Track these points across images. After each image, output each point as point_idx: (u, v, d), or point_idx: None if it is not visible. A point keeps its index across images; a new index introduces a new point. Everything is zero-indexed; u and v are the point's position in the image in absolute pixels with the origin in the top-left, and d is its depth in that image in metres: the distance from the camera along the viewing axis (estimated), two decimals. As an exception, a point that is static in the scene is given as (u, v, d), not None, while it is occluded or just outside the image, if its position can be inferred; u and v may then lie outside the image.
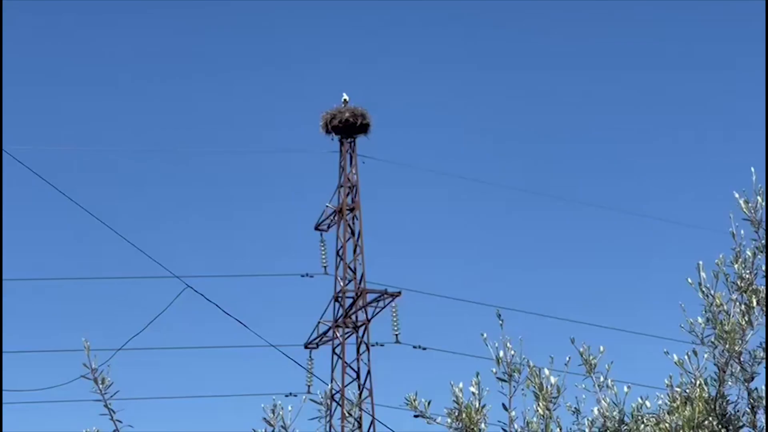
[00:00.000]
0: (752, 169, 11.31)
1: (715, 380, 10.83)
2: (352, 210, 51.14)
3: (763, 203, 11.11)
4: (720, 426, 10.68)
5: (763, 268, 11.02)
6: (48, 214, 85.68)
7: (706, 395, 10.74)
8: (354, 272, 50.31)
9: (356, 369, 49.03)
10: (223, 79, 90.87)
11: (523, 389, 10.95)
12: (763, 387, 10.83)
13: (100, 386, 10.33)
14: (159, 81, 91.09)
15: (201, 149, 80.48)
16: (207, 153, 74.22)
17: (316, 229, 51.19)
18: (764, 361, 10.84)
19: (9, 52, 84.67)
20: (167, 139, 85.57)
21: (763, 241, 11.05)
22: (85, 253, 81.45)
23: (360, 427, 46.10)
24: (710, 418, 10.68)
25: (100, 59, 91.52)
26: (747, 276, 11.00)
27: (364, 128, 51.63)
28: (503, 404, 10.91)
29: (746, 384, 10.87)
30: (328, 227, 51.22)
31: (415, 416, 10.92)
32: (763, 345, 10.85)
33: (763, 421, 10.79)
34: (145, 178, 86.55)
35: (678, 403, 10.79)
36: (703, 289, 10.98)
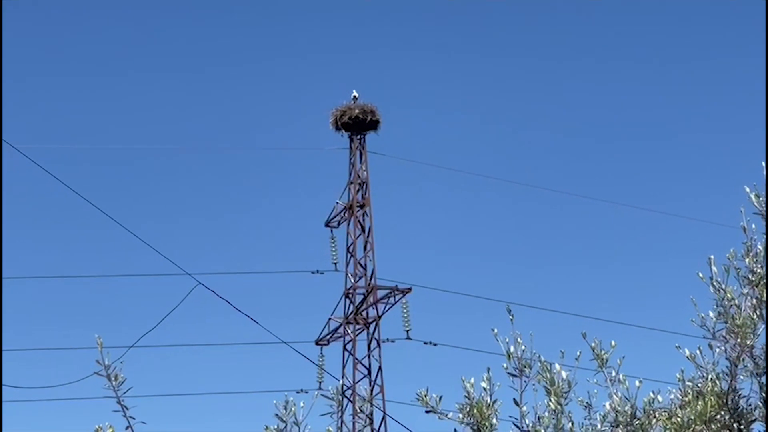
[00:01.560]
0: (763, 164, 11.31)
1: (727, 374, 10.82)
2: (362, 206, 51.13)
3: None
4: (732, 420, 10.67)
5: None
6: (59, 211, 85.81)
7: (718, 389, 10.73)
8: (364, 269, 50.33)
9: (367, 365, 49.03)
10: (232, 76, 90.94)
11: (534, 384, 10.94)
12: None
13: (113, 383, 10.33)
14: (169, 78, 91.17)
15: (211, 146, 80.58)
16: (217, 150, 74.28)
17: (327, 225, 51.20)
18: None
19: (20, 48, 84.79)
20: (178, 137, 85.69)
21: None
22: (96, 250, 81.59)
23: (371, 423, 46.12)
24: (722, 413, 10.66)
25: (113, 56, 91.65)
26: (758, 270, 10.99)
27: (373, 125, 51.64)
28: (514, 399, 10.89)
29: (758, 378, 10.86)
30: (339, 224, 51.22)
31: (427, 412, 10.91)
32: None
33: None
34: (155, 176, 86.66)
35: (690, 397, 10.78)
36: (715, 283, 10.97)
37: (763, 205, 11.11)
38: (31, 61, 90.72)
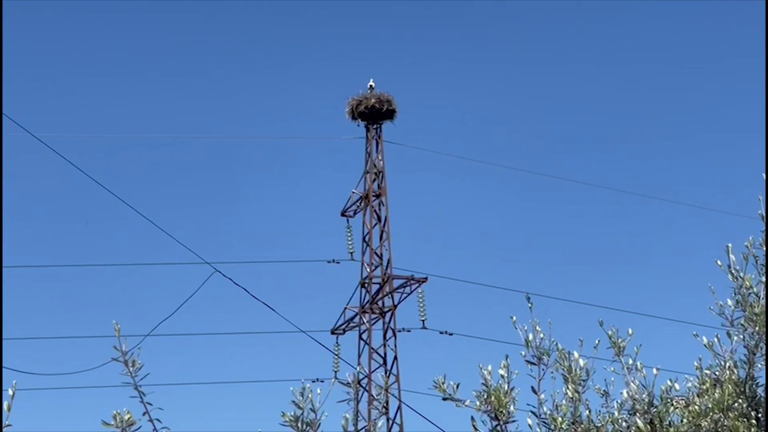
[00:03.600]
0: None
1: (745, 362, 10.79)
2: (378, 196, 51.10)
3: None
4: (750, 408, 10.64)
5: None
6: (78, 200, 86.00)
7: (736, 378, 10.70)
8: (380, 258, 50.29)
9: (383, 354, 49.04)
10: (249, 65, 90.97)
11: (552, 372, 10.93)
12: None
13: (131, 369, 10.33)
14: (186, 67, 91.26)
15: (229, 135, 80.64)
16: (234, 139, 74.32)
17: (343, 215, 51.18)
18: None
19: (40, 37, 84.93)
20: (195, 126, 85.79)
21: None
22: (114, 239, 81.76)
23: (387, 412, 46.11)
24: (740, 401, 10.63)
25: (134, 45, 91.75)
26: (777, 258, 10.95)
27: (390, 114, 51.57)
28: (532, 387, 10.88)
29: (776, 366, 10.82)
30: (355, 213, 51.20)
31: (444, 399, 10.89)
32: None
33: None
34: (173, 165, 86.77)
35: (707, 385, 10.75)
36: (733, 271, 10.93)
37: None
38: (48, 51, 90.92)
